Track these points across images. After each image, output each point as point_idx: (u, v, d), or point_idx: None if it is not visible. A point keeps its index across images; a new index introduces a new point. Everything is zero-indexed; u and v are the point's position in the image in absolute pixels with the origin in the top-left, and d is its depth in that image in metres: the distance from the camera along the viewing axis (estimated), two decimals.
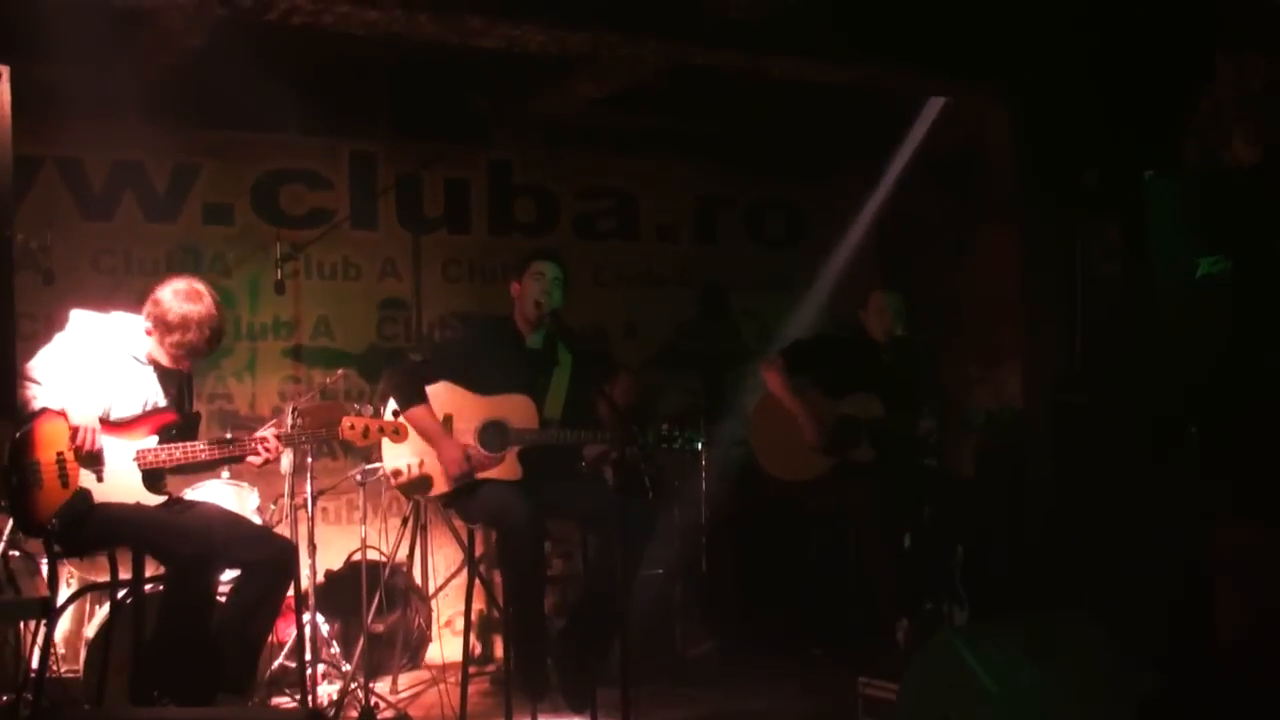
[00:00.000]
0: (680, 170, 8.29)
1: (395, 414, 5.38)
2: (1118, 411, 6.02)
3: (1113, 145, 6.42)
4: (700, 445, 5.40)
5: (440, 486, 5.35)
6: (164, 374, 5.07)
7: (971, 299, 7.61)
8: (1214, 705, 4.47)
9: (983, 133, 7.42)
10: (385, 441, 5.35)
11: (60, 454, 4.65)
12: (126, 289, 5.07)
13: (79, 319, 4.91)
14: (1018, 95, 6.97)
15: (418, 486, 5.40)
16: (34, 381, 4.67)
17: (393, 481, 5.45)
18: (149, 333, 4.98)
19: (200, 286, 5.04)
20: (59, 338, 4.84)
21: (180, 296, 4.96)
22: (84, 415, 4.70)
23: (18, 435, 4.57)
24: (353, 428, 5.14)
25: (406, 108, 7.35)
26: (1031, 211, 7.14)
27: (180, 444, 4.92)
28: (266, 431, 5.07)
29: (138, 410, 4.94)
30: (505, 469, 5.32)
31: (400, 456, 5.39)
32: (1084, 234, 6.77)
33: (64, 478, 4.64)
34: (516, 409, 5.37)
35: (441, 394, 5.40)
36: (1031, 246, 7.21)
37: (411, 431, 5.31)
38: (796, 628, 6.59)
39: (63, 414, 4.67)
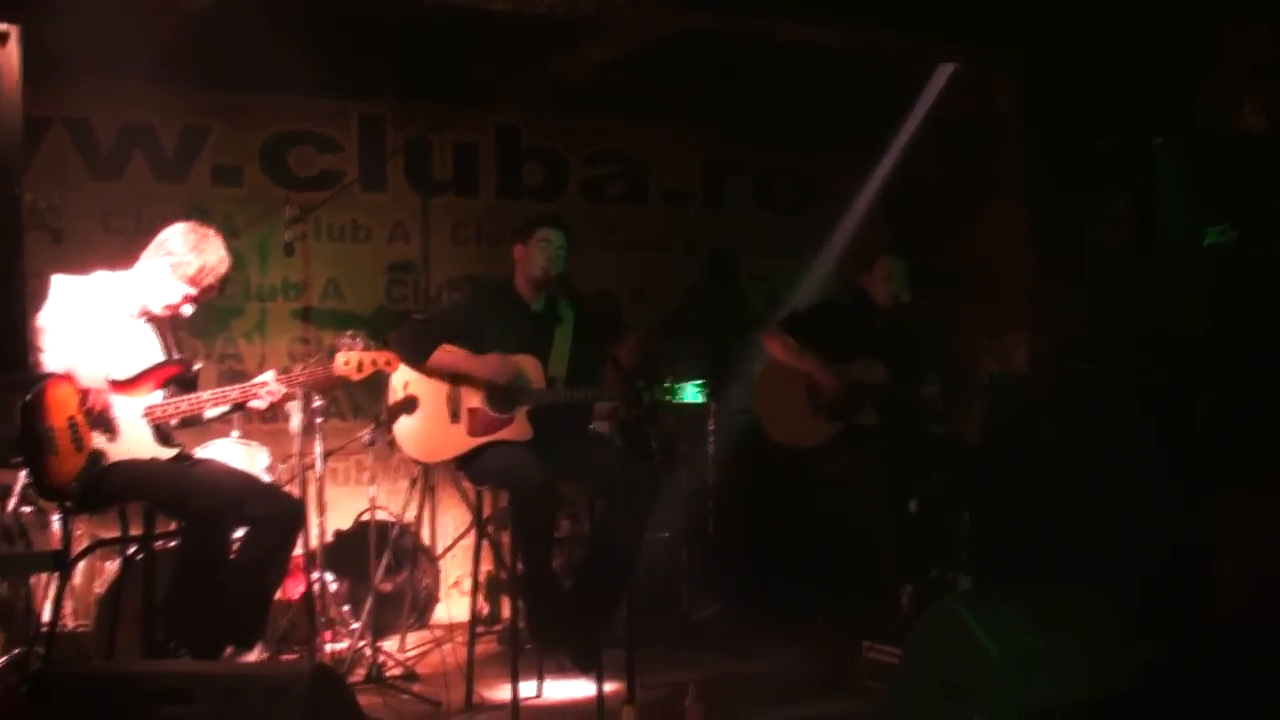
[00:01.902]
0: (689, 136, 8.29)
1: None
2: (1123, 380, 6.03)
3: (1121, 114, 6.41)
4: (703, 397, 5.40)
5: (466, 443, 5.34)
6: (153, 326, 5.08)
7: (978, 267, 7.62)
8: (1215, 673, 4.50)
9: (991, 100, 7.40)
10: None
11: (72, 418, 4.66)
12: (136, 249, 5.06)
13: (60, 283, 4.89)
14: (1026, 62, 6.96)
15: (404, 407, 5.43)
16: (38, 347, 4.69)
17: (389, 401, 5.48)
18: (157, 284, 4.98)
19: (206, 229, 5.06)
20: (47, 305, 4.82)
21: (194, 242, 4.99)
22: (92, 377, 4.72)
23: (28, 400, 4.57)
24: (347, 362, 5.12)
25: (416, 71, 7.34)
26: (1039, 179, 7.13)
27: (187, 396, 4.94)
28: (267, 375, 5.08)
29: (137, 366, 4.94)
30: (515, 429, 5.34)
31: (412, 427, 5.44)
32: (1092, 202, 6.77)
33: (77, 441, 4.66)
34: (525, 369, 5.39)
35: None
36: (1039, 215, 7.21)
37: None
38: (801, 592, 6.63)
39: (69, 377, 4.69)
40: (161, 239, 5.02)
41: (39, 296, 4.74)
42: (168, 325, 5.17)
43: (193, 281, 4.97)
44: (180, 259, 4.96)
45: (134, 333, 5.01)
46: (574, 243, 5.67)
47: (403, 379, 5.44)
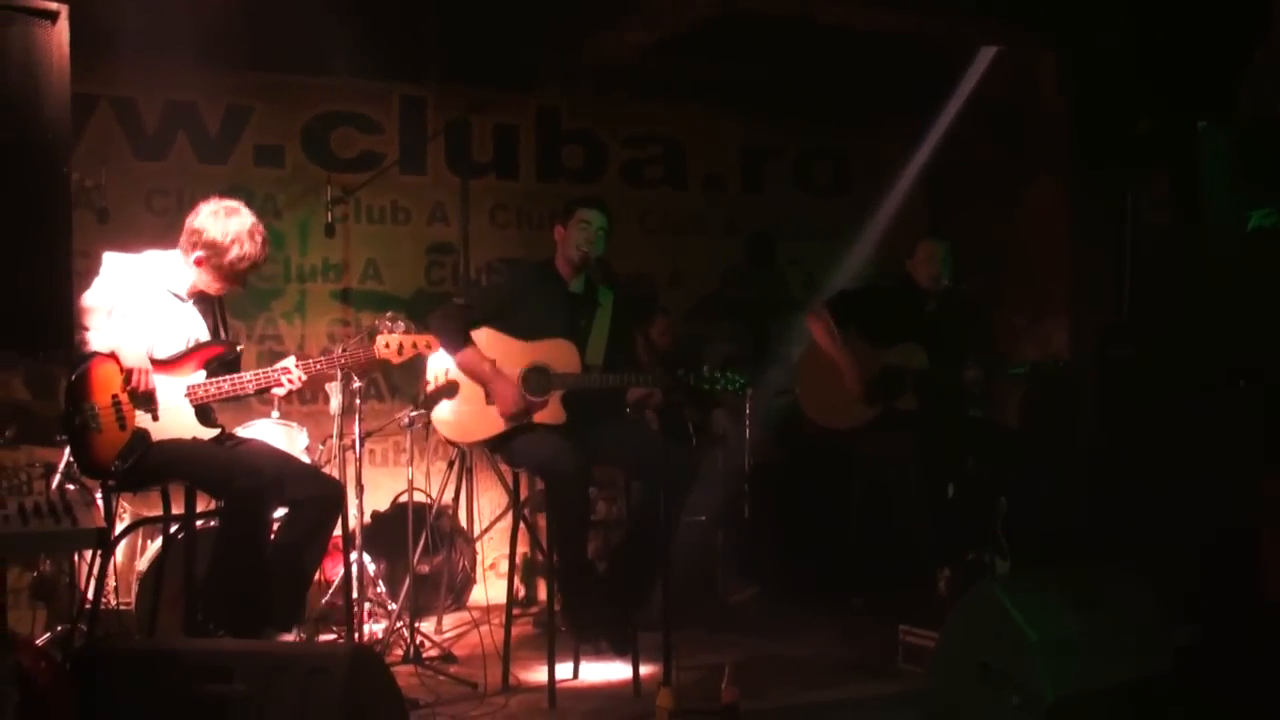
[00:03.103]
0: (728, 118, 8.27)
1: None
2: (1165, 364, 5.99)
3: (1165, 95, 6.36)
4: (742, 389, 5.38)
5: (499, 425, 5.37)
6: (203, 306, 5.11)
7: (1020, 250, 7.58)
8: (1253, 657, 4.48)
9: (1034, 82, 7.37)
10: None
11: (115, 396, 4.70)
12: (178, 229, 5.08)
13: (112, 261, 4.93)
14: (1069, 44, 6.92)
15: (445, 392, 5.43)
16: (83, 326, 4.71)
17: (426, 389, 5.48)
18: (199, 263, 5.00)
19: (232, 202, 5.05)
20: (97, 282, 4.84)
21: (221, 216, 4.98)
22: (136, 356, 4.74)
23: (73, 378, 4.63)
24: (388, 345, 5.14)
25: (457, 53, 7.36)
26: (1081, 162, 7.09)
27: (228, 376, 4.97)
28: (287, 361, 5.09)
29: (181, 346, 4.97)
30: (549, 413, 5.34)
31: (449, 408, 5.46)
32: (1134, 185, 6.72)
33: (121, 420, 4.70)
34: (559, 353, 5.39)
35: (484, 339, 5.42)
36: (1081, 198, 7.17)
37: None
38: (838, 575, 6.62)
39: (114, 356, 4.72)
40: (191, 217, 5.03)
41: (85, 275, 4.77)
42: (217, 305, 5.20)
43: (221, 256, 4.97)
44: (207, 236, 4.97)
45: (181, 312, 5.03)
46: (614, 225, 5.66)
47: (444, 364, 5.45)
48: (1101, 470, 6.27)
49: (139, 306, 4.89)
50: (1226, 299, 5.34)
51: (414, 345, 5.20)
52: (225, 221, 4.96)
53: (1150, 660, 4.29)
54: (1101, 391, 6.46)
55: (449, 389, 5.44)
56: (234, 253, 4.96)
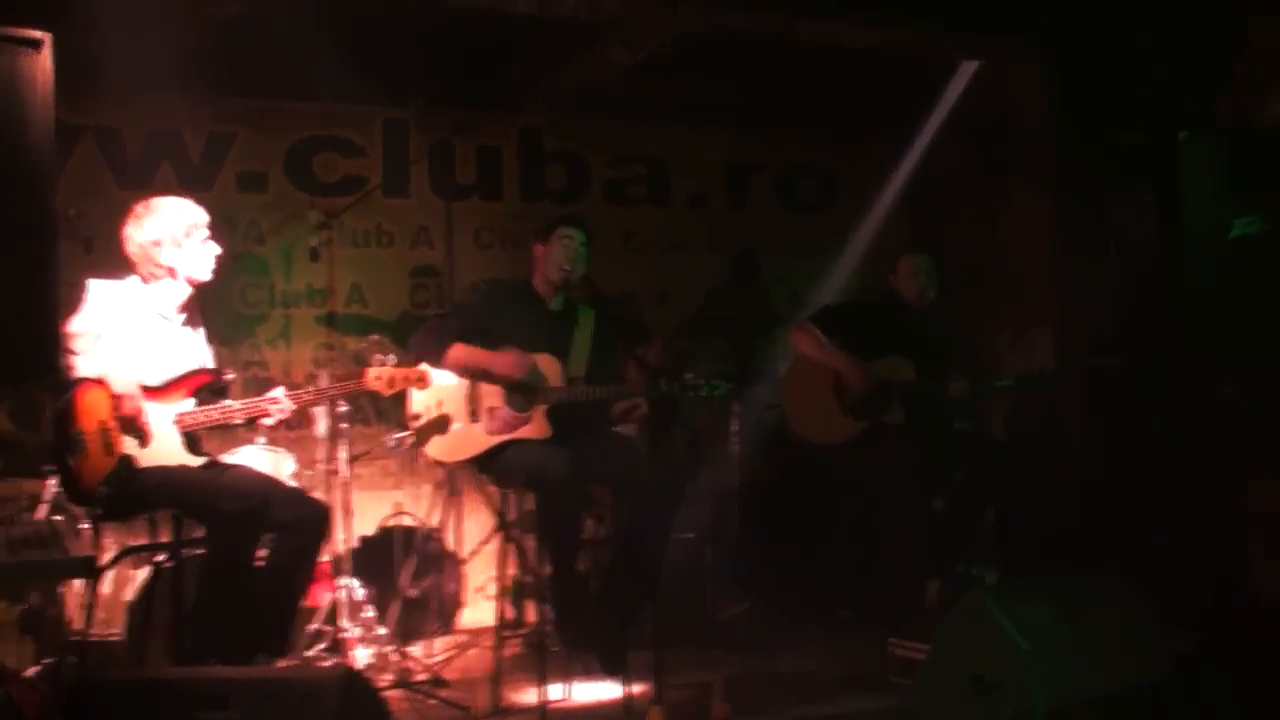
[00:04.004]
0: (711, 136, 8.29)
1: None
2: (1151, 374, 6.01)
3: (1147, 106, 6.39)
4: (726, 394, 5.37)
5: (485, 442, 5.35)
6: (182, 328, 5.10)
7: (1004, 263, 7.60)
8: (1246, 663, 4.48)
9: (1016, 94, 7.40)
10: (413, 392, 5.37)
11: (103, 422, 4.69)
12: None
13: (98, 288, 4.93)
14: (1051, 56, 6.95)
15: (436, 426, 5.41)
16: (71, 351, 4.71)
17: (412, 426, 5.45)
18: (153, 276, 5.00)
19: (147, 200, 5.08)
20: (84, 309, 4.86)
21: (142, 215, 5.01)
22: (125, 383, 4.74)
23: (60, 405, 4.62)
24: (378, 378, 5.13)
25: (439, 75, 7.37)
26: (1064, 174, 7.12)
27: (217, 405, 4.97)
28: (277, 391, 5.09)
29: (171, 371, 4.96)
30: (534, 428, 5.34)
31: (421, 402, 5.43)
32: (1117, 196, 6.75)
33: (108, 446, 4.69)
34: (543, 368, 5.39)
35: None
36: (1064, 210, 7.19)
37: (432, 380, 5.32)
38: (827, 590, 6.62)
39: (103, 383, 4.72)
40: (122, 236, 5.04)
41: (70, 304, 4.77)
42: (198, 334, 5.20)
43: (144, 248, 4.97)
44: (140, 240, 4.97)
45: (170, 336, 5.03)
46: (595, 243, 5.67)
47: (436, 396, 5.44)
48: (1089, 481, 6.28)
49: (127, 332, 4.88)
50: (1211, 308, 5.36)
51: (405, 379, 5.20)
52: (143, 216, 5.01)
53: (1141, 669, 4.29)
54: (1088, 402, 6.48)
55: (440, 423, 5.43)
56: (142, 234, 4.98)
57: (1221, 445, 5.21)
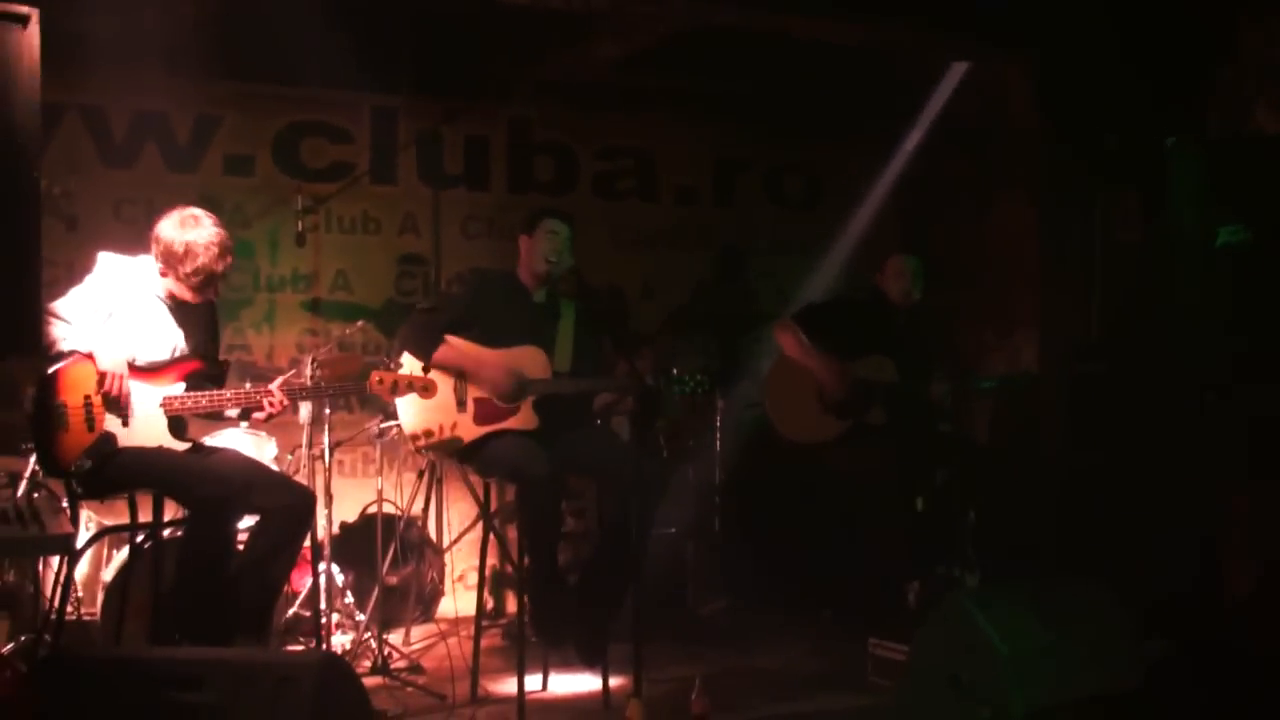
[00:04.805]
0: (699, 132, 8.28)
1: (425, 369, 5.34)
2: (1133, 379, 6.02)
3: (1134, 112, 6.40)
4: (708, 389, 5.36)
5: (472, 432, 5.33)
6: (187, 313, 5.07)
7: (989, 265, 7.62)
8: (1223, 667, 4.50)
9: (1004, 97, 7.41)
10: (399, 403, 5.35)
11: (87, 397, 4.68)
12: (147, 238, 5.06)
13: (106, 261, 4.92)
14: (1040, 60, 6.95)
15: (449, 445, 5.39)
16: (62, 320, 4.68)
17: (421, 443, 5.38)
18: (163, 273, 4.99)
19: (197, 211, 5.01)
20: (88, 279, 4.85)
21: (179, 225, 4.95)
22: (112, 361, 4.72)
23: (46, 375, 4.59)
24: (381, 382, 5.09)
25: (428, 64, 7.35)
26: (1051, 177, 7.13)
27: (207, 392, 4.94)
28: (274, 385, 5.06)
29: (164, 353, 4.94)
30: (521, 419, 5.33)
31: (419, 416, 5.39)
32: (1103, 201, 6.76)
33: (90, 421, 4.67)
34: (530, 359, 5.38)
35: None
36: (1050, 213, 7.20)
37: (439, 389, 5.29)
38: (808, 588, 6.63)
39: (90, 358, 4.69)
40: (156, 224, 5.01)
41: (53, 283, 4.75)
42: (207, 317, 5.17)
43: (177, 267, 4.94)
44: (165, 245, 4.94)
45: (163, 319, 4.99)
46: (580, 236, 5.66)
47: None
48: (1070, 484, 6.29)
49: (125, 309, 4.86)
50: (1194, 314, 5.37)
51: (409, 386, 5.17)
52: (184, 232, 4.94)
53: (1121, 673, 4.30)
54: (1071, 406, 6.49)
55: (426, 386, 5.35)
56: (188, 265, 4.94)
57: (1203, 451, 5.22)
